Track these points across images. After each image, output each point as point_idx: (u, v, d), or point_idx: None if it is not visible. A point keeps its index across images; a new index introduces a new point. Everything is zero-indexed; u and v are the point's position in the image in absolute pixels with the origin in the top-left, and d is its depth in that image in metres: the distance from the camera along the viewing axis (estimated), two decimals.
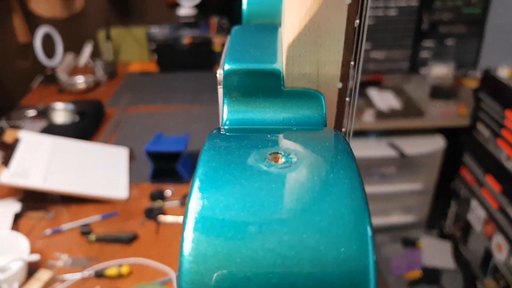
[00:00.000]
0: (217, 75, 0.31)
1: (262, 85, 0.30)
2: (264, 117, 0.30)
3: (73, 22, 1.87)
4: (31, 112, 1.50)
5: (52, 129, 1.35)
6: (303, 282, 0.18)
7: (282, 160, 0.22)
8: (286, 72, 0.30)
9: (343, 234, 0.19)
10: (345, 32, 0.29)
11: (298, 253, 0.19)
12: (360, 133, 1.76)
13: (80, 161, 1.22)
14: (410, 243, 1.84)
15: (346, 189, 0.20)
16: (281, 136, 0.27)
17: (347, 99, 0.32)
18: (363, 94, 1.83)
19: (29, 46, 1.66)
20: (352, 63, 0.30)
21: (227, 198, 0.20)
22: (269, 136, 0.27)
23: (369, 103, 1.77)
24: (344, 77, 0.30)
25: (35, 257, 0.92)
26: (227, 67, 0.30)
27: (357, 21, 0.30)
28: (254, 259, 0.18)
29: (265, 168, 0.21)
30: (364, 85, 1.88)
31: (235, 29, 0.38)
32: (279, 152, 0.23)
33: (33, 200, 1.12)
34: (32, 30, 1.68)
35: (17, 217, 1.08)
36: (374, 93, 1.83)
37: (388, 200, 1.85)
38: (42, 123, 1.43)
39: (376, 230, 1.83)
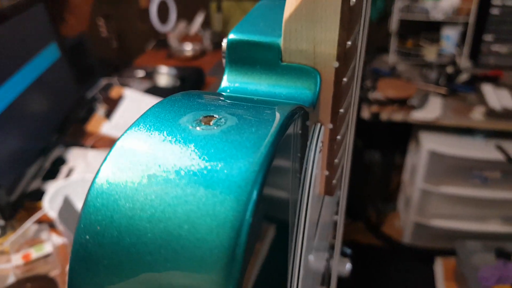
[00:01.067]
0: (222, 44, 0.31)
1: (262, 57, 0.31)
2: (259, 88, 0.31)
3: None
4: (140, 73, 1.61)
5: (155, 91, 1.44)
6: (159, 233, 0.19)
7: (211, 123, 0.22)
8: (284, 46, 0.30)
9: (223, 188, 0.19)
10: (341, 11, 0.28)
11: (177, 198, 0.19)
12: (466, 131, 1.64)
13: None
14: (504, 255, 1.69)
15: (244, 158, 0.20)
16: (238, 103, 0.26)
17: (345, 79, 0.31)
18: (476, 89, 1.69)
19: (148, 11, 1.77)
20: (349, 43, 0.29)
21: (145, 149, 0.21)
22: (225, 101, 0.27)
23: (482, 100, 1.64)
24: (341, 57, 0.29)
25: None
26: (231, 36, 0.31)
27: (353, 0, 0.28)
28: (143, 200, 0.19)
29: (190, 127, 0.22)
30: (479, 79, 1.73)
31: (261, 1, 0.39)
32: (215, 115, 0.23)
33: None
34: None
35: None
36: (488, 89, 1.68)
37: (488, 206, 1.71)
38: (147, 84, 1.52)
39: (469, 236, 1.71)
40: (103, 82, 1.53)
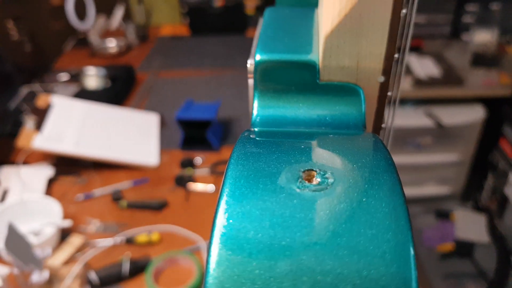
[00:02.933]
0: (248, 65, 0.28)
1: (296, 77, 0.28)
2: (297, 113, 0.28)
3: None
4: (64, 76, 1.50)
5: (84, 94, 1.35)
6: None
7: (317, 180, 0.20)
8: (323, 64, 0.27)
9: (385, 276, 0.17)
10: (390, 23, 0.26)
11: (336, 278, 0.16)
12: None
13: (112, 126, 1.22)
14: (443, 215, 1.80)
15: (389, 219, 0.18)
16: (315, 144, 0.24)
17: (389, 93, 0.29)
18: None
19: (62, 8, 1.65)
20: (396, 55, 0.28)
21: (255, 226, 0.18)
22: (302, 145, 0.24)
23: (407, 70, 1.70)
24: (387, 71, 0.28)
25: (68, 222, 0.93)
26: (258, 57, 0.28)
27: (404, 11, 0.27)
28: None
29: (298, 190, 0.19)
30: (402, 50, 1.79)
31: (268, 11, 0.35)
32: (314, 169, 0.21)
33: (66, 165, 1.13)
34: None
35: (50, 181, 1.10)
36: (412, 59, 1.75)
37: (423, 171, 1.80)
38: (74, 88, 1.43)
39: (410, 201, 1.79)
40: (25, 90, 1.41)
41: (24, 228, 0.92)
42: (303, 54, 0.27)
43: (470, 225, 1.75)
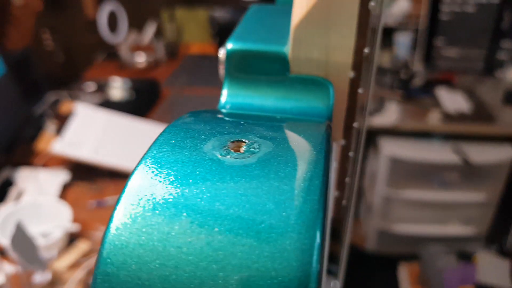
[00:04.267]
0: (219, 54, 0.28)
1: (266, 68, 0.27)
2: (265, 103, 0.27)
3: (139, 0, 1.89)
4: (91, 86, 1.52)
5: (108, 104, 1.36)
6: None
7: (242, 149, 0.19)
8: (292, 56, 0.26)
9: (283, 240, 0.16)
10: (358, 15, 0.25)
11: (226, 257, 0.15)
12: (423, 135, 1.66)
13: (131, 137, 1.22)
14: (465, 257, 1.72)
15: (302, 188, 0.17)
16: (259, 123, 0.24)
17: (360, 90, 0.28)
18: (430, 93, 1.72)
19: (96, 22, 1.69)
20: (366, 50, 0.26)
21: (166, 186, 0.17)
22: (243, 121, 0.24)
23: (436, 103, 1.66)
24: (357, 66, 0.27)
25: (76, 227, 0.92)
26: (230, 46, 0.27)
27: (372, 3, 0.26)
28: (177, 257, 0.16)
29: (219, 156, 0.19)
30: (433, 83, 1.76)
31: (253, 7, 0.35)
32: (243, 140, 0.20)
33: (82, 172, 1.13)
34: (100, 6, 1.70)
35: (65, 186, 1.09)
36: (442, 93, 1.71)
37: (447, 209, 1.74)
38: (99, 98, 1.44)
39: (431, 240, 1.72)
40: (51, 97, 1.43)
41: (33, 229, 0.91)
42: (275, 45, 0.27)
43: (492, 270, 1.67)
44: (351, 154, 0.32)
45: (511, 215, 1.69)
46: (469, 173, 1.65)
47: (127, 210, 0.17)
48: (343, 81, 0.27)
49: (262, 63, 0.27)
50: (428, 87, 1.75)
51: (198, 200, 0.17)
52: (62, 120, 1.25)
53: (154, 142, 0.20)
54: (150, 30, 1.80)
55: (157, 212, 0.16)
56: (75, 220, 0.95)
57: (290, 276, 0.15)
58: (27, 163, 1.16)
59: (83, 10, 1.86)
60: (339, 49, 0.26)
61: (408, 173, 1.67)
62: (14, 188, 1.06)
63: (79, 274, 0.83)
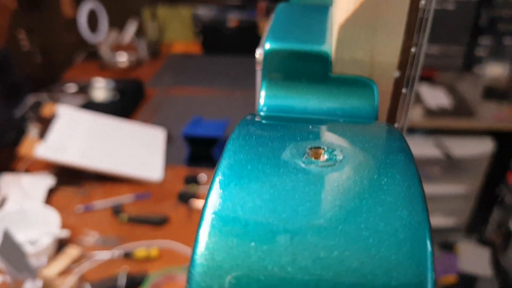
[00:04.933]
0: (256, 55, 0.27)
1: (307, 69, 0.26)
2: (307, 105, 0.26)
3: None
4: (72, 87, 1.50)
5: (91, 106, 1.34)
6: None
7: (324, 157, 0.18)
8: (336, 56, 0.26)
9: (396, 255, 0.15)
10: (408, 15, 0.25)
11: (336, 275, 0.15)
12: (406, 130, 1.68)
13: (117, 139, 1.21)
14: (447, 247, 1.76)
15: (402, 198, 0.17)
16: (324, 127, 0.23)
17: (403, 90, 0.28)
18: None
19: (75, 20, 1.66)
20: (413, 49, 0.26)
21: (254, 198, 0.16)
22: (310, 126, 0.23)
23: (418, 99, 1.69)
24: (403, 66, 0.26)
25: (65, 233, 0.90)
26: (268, 46, 0.26)
27: (423, 1, 0.26)
28: (280, 276, 0.15)
29: (303, 165, 0.18)
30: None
31: (280, 6, 0.34)
32: (321, 147, 0.19)
33: (68, 176, 1.11)
34: (78, 5, 1.67)
35: (51, 191, 1.07)
36: (424, 89, 1.74)
37: (429, 201, 1.74)
38: (81, 99, 1.42)
39: None
40: (32, 99, 1.40)
41: (21, 236, 0.90)
42: (315, 45, 0.26)
43: (474, 258, 1.71)
44: None
45: (489, 206, 1.73)
46: (450, 166, 1.68)
47: (215, 228, 0.16)
48: (388, 81, 0.27)
49: (302, 63, 0.26)
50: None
51: (295, 214, 0.16)
52: (45, 123, 1.23)
53: (225, 151, 0.19)
54: (131, 29, 1.78)
55: (249, 230, 0.15)
56: (63, 225, 0.93)
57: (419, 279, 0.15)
58: (10, 169, 1.14)
59: (61, 9, 1.82)
60: (385, 49, 0.25)
61: None
62: None
63: (70, 280, 0.82)
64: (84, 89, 1.47)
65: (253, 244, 0.15)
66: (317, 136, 0.20)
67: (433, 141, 1.66)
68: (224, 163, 0.18)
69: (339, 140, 0.20)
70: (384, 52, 0.26)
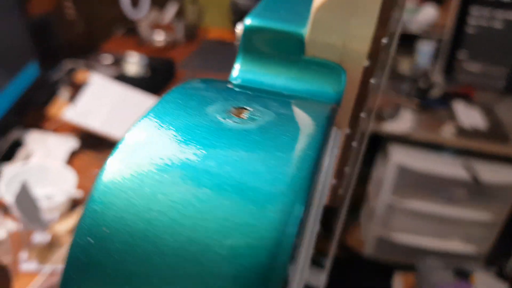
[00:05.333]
0: (237, 30, 0.28)
1: (282, 48, 0.27)
2: (276, 82, 0.27)
3: None
4: (107, 58, 1.51)
5: (122, 78, 1.35)
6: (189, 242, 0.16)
7: (244, 116, 0.20)
8: (309, 38, 0.26)
9: (266, 202, 0.16)
10: (382, 3, 0.25)
11: (211, 209, 0.16)
12: (435, 147, 1.64)
13: (142, 113, 1.21)
14: (463, 275, 1.70)
15: (293, 158, 0.18)
16: (266, 96, 0.24)
17: (372, 80, 0.28)
18: (447, 105, 1.70)
19: None
20: (384, 40, 0.26)
21: (164, 138, 0.18)
22: (251, 93, 0.24)
23: (452, 116, 1.64)
24: (373, 55, 0.26)
25: (80, 193, 0.91)
26: (248, 22, 0.27)
27: None
28: (163, 202, 0.16)
29: (219, 118, 0.19)
30: (451, 96, 1.74)
31: None
32: (247, 108, 0.21)
33: (91, 141, 1.12)
34: None
35: (73, 153, 1.08)
36: (459, 107, 1.69)
37: (450, 224, 1.72)
38: (114, 71, 1.43)
39: (429, 253, 1.71)
40: (68, 65, 1.42)
41: (38, 190, 0.90)
42: (294, 26, 0.27)
43: None
44: (354, 144, 0.32)
45: None
46: (477, 191, 1.63)
47: (123, 155, 0.17)
48: (357, 69, 0.27)
49: (278, 42, 0.27)
50: (446, 99, 1.73)
51: (193, 155, 0.17)
52: (76, 88, 1.24)
53: (161, 99, 0.21)
54: (171, 10, 1.79)
55: (151, 161, 0.17)
56: (79, 186, 0.94)
57: (265, 235, 0.15)
58: (38, 127, 1.15)
59: None
60: (357, 36, 0.26)
61: (415, 183, 1.66)
62: (23, 149, 1.05)
63: None
64: (118, 62, 1.48)
65: (149, 174, 0.17)
66: (253, 100, 0.22)
67: (462, 162, 1.61)
68: (154, 108, 0.20)
69: (270, 107, 0.21)
70: (356, 40, 0.26)
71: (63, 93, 1.25)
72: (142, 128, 0.19)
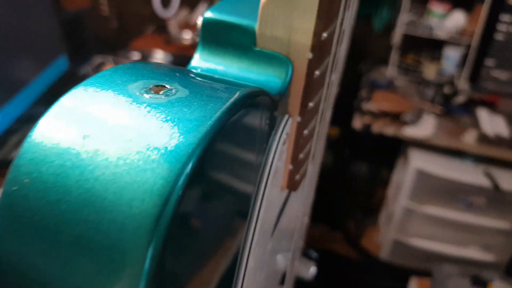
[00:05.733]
0: (197, 21, 0.30)
1: (236, 40, 0.30)
2: (229, 71, 0.30)
3: None
4: (136, 55, 1.57)
5: None
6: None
7: (161, 92, 0.22)
8: (259, 31, 0.29)
9: (157, 163, 0.18)
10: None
11: (104, 167, 0.18)
12: (456, 153, 1.62)
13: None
14: (480, 283, 1.68)
15: (188, 126, 0.19)
16: (196, 78, 0.26)
17: (317, 72, 0.30)
18: (471, 113, 1.68)
19: None
20: (324, 34, 0.28)
21: (82, 108, 0.21)
22: (181, 74, 0.25)
23: (475, 124, 1.62)
24: (315, 48, 0.28)
25: None
26: (207, 15, 0.30)
27: None
28: (63, 161, 0.19)
29: (137, 93, 0.21)
30: (476, 103, 1.72)
31: None
32: (166, 86, 0.22)
33: None
34: None
35: None
36: (483, 114, 1.67)
37: (468, 231, 1.70)
38: None
39: (446, 259, 1.69)
40: (98, 60, 1.49)
41: None
42: (248, 20, 0.29)
43: None
44: (306, 132, 0.34)
45: None
46: (497, 199, 1.61)
47: (49, 118, 0.20)
48: (302, 61, 0.29)
49: (233, 35, 0.29)
50: (470, 106, 1.71)
51: (104, 122, 0.20)
52: None
53: (95, 74, 0.23)
54: (200, 10, 1.84)
55: (69, 124, 0.20)
56: None
57: (152, 188, 0.17)
58: None
59: None
60: (301, 30, 0.28)
61: (434, 189, 1.65)
62: None
63: None
64: (145, 59, 1.54)
65: (59, 139, 0.19)
66: (175, 80, 0.23)
67: (483, 170, 1.60)
68: (85, 82, 0.22)
69: (191, 86, 0.23)
70: (300, 33, 0.28)
71: None
72: (70, 96, 0.21)
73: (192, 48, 1.74)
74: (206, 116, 0.20)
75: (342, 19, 0.35)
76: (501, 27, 1.65)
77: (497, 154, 1.54)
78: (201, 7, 1.86)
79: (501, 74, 1.73)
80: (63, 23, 1.27)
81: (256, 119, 0.26)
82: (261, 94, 0.26)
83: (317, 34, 0.28)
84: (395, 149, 1.81)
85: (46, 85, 1.16)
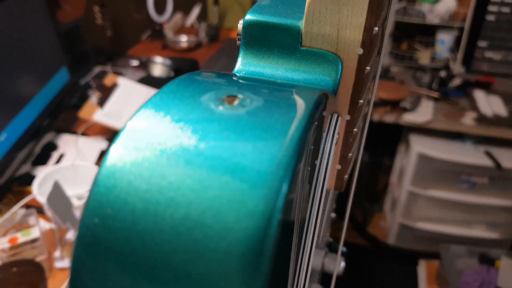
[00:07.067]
0: (239, 25, 0.29)
1: (280, 41, 0.29)
2: (275, 73, 0.29)
3: None
4: (134, 62, 1.59)
5: (148, 80, 1.43)
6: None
7: (235, 103, 0.21)
8: (305, 30, 0.28)
9: (254, 181, 0.17)
10: None
11: (203, 187, 0.17)
12: (456, 136, 1.65)
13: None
14: (488, 261, 1.71)
15: (276, 142, 0.19)
16: (260, 84, 0.25)
17: (367, 68, 0.29)
18: (468, 95, 1.71)
19: (144, 0, 1.76)
20: (376, 28, 0.27)
21: (160, 126, 0.19)
22: (247, 82, 0.25)
23: (473, 105, 1.65)
24: (366, 43, 0.28)
25: None
26: (248, 17, 0.29)
27: None
28: (160, 183, 0.18)
29: (212, 106, 0.20)
30: (472, 85, 1.74)
31: None
32: (239, 96, 0.22)
33: None
34: None
35: (102, 153, 1.17)
36: (480, 95, 1.70)
37: (474, 211, 1.73)
38: (141, 73, 1.51)
39: (453, 240, 1.72)
40: (97, 69, 1.51)
41: (70, 191, 0.99)
42: (291, 19, 0.28)
43: None
44: (355, 130, 0.33)
45: None
46: (499, 177, 1.64)
47: (124, 142, 0.19)
48: (352, 58, 0.28)
49: (276, 35, 0.29)
50: (466, 88, 1.74)
51: (187, 140, 0.18)
52: (105, 91, 1.33)
53: (160, 90, 0.22)
54: (194, 12, 1.85)
55: (149, 146, 0.18)
56: None
57: (253, 210, 0.16)
58: (70, 130, 1.24)
59: None
60: (350, 25, 0.27)
61: (437, 172, 1.67)
62: (56, 152, 1.14)
63: None
64: (144, 64, 1.56)
65: (147, 158, 0.18)
66: (246, 88, 0.23)
67: (484, 150, 1.62)
68: (152, 98, 0.21)
69: (261, 94, 0.22)
70: (349, 29, 0.27)
71: (93, 97, 1.34)
72: (141, 117, 0.20)
73: (189, 50, 1.76)
74: (291, 125, 0.19)
75: (388, 11, 0.34)
76: (492, 8, 1.68)
77: (496, 133, 1.57)
78: (195, 10, 1.87)
79: (494, 55, 1.75)
80: (61, 36, 1.28)
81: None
82: (326, 97, 0.25)
83: (367, 29, 0.27)
84: (396, 136, 1.83)
85: (49, 98, 1.18)
